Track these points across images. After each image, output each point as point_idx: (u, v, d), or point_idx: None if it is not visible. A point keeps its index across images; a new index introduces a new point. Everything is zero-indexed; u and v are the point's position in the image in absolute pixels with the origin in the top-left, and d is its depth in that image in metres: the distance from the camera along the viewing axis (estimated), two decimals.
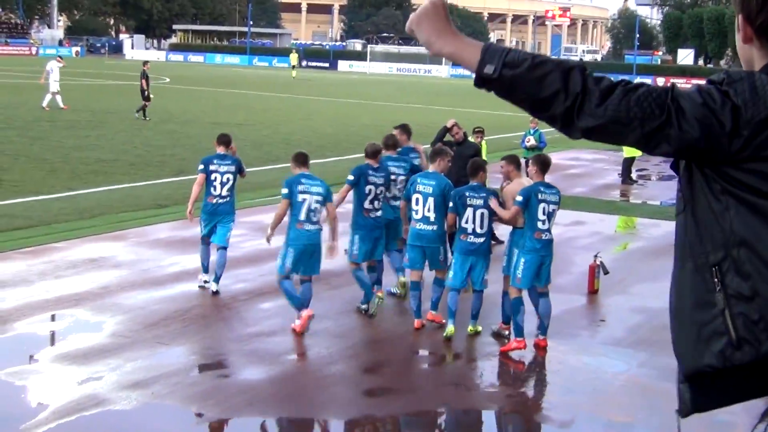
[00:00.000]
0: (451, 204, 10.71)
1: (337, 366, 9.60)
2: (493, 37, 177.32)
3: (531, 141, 22.15)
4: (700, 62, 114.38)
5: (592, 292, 12.81)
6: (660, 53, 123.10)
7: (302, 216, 10.55)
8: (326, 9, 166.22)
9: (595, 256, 13.03)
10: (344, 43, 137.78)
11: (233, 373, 9.28)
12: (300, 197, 10.56)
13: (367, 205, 11.46)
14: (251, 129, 32.35)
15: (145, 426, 7.99)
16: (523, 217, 10.40)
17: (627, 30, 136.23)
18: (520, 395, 9.26)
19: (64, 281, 12.32)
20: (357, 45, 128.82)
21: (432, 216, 10.98)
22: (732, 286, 2.71)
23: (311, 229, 10.64)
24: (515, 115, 43.43)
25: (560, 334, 11.08)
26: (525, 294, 10.43)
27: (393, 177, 11.93)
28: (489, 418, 8.80)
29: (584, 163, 28.81)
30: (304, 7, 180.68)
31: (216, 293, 12.08)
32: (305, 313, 10.43)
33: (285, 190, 10.68)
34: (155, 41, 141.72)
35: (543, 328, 10.51)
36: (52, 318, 10.88)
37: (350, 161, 26.14)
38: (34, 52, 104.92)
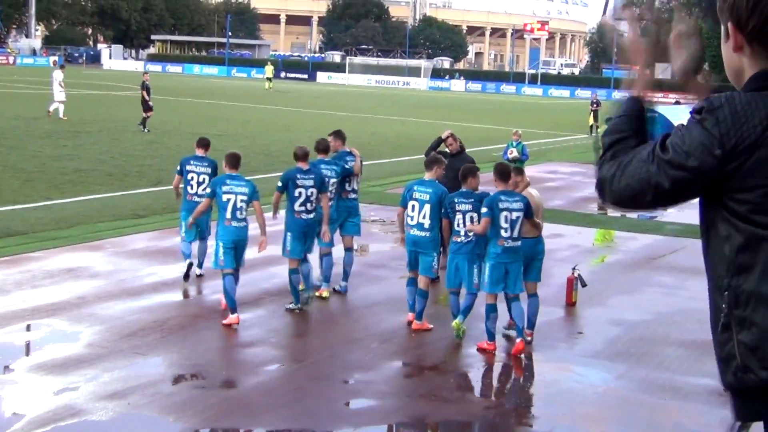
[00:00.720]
0: (443, 210, 11.08)
1: (315, 377, 9.57)
2: (472, 49, 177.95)
3: (514, 153, 22.08)
4: None
5: (570, 304, 12.84)
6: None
7: (228, 214, 11.32)
8: (305, 20, 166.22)
9: (573, 268, 13.06)
10: (323, 55, 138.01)
11: (211, 383, 9.24)
12: (225, 197, 11.30)
13: (297, 207, 11.96)
14: (230, 140, 32.26)
15: None
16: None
17: (605, 43, 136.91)
18: (499, 407, 9.27)
19: (40, 291, 12.25)
20: (336, 57, 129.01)
21: (427, 223, 11.35)
22: (736, 313, 2.74)
23: (237, 226, 11.39)
24: (495, 128, 43.67)
25: (539, 346, 11.10)
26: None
27: (326, 179, 12.38)
28: (466, 430, 8.79)
29: (562, 176, 28.90)
30: (282, 18, 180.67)
31: (201, 276, 13.19)
32: (236, 316, 11.20)
33: (208, 190, 11.81)
34: (133, 51, 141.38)
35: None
36: (29, 328, 10.81)
37: None
38: (11, 62, 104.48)
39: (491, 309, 10.70)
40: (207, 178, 12.78)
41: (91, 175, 22.48)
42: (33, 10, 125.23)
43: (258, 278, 13.82)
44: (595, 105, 46.31)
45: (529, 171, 22.19)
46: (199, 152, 13.16)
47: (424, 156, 13.11)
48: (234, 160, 11.66)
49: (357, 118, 47.82)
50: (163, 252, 15.19)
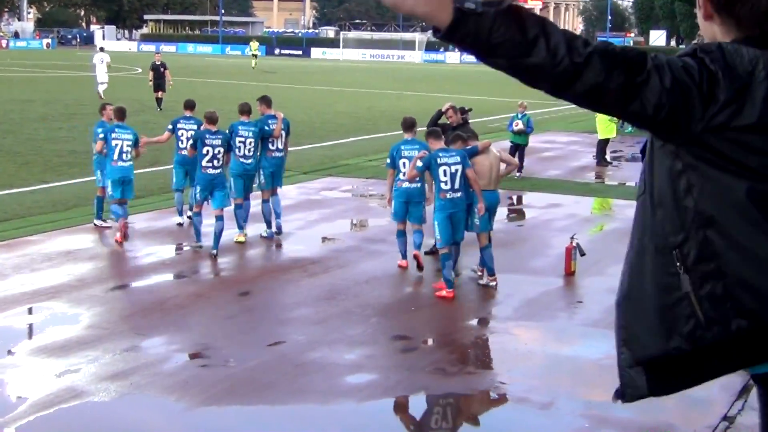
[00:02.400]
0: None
1: (316, 353, 9.58)
2: None
3: (519, 125, 21.70)
4: (672, 43, 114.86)
5: (569, 273, 12.85)
6: (632, 35, 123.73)
7: (116, 156, 14.30)
8: None
9: (571, 237, 13.06)
10: (317, 31, 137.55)
11: (212, 362, 9.25)
12: (113, 142, 14.29)
13: (205, 163, 13.70)
14: (226, 117, 32.11)
15: (124, 417, 7.97)
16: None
17: (599, 12, 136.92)
18: (499, 378, 9.28)
19: (39, 274, 12.25)
20: (330, 32, 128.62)
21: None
22: (697, 268, 2.69)
23: (124, 165, 14.40)
24: (491, 100, 43.53)
25: (538, 316, 11.12)
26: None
27: (242, 138, 14.38)
28: (467, 402, 8.81)
29: (559, 146, 28.86)
30: None
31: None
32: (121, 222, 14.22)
33: (101, 136, 14.66)
34: (126, 32, 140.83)
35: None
36: (29, 311, 10.82)
37: (325, 148, 26.16)
38: (4, 45, 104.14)
39: (446, 258, 11.73)
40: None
41: (87, 157, 22.24)
42: None
43: (256, 255, 13.84)
44: None
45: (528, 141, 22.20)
46: (187, 113, 15.74)
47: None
48: (120, 113, 14.79)
49: (352, 93, 47.73)
50: (161, 232, 15.19)
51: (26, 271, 12.38)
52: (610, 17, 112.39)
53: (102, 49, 42.75)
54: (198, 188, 13.86)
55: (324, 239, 15.07)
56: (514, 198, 19.27)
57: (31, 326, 10.42)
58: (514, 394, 8.82)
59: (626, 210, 18.10)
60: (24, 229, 14.78)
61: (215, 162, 13.72)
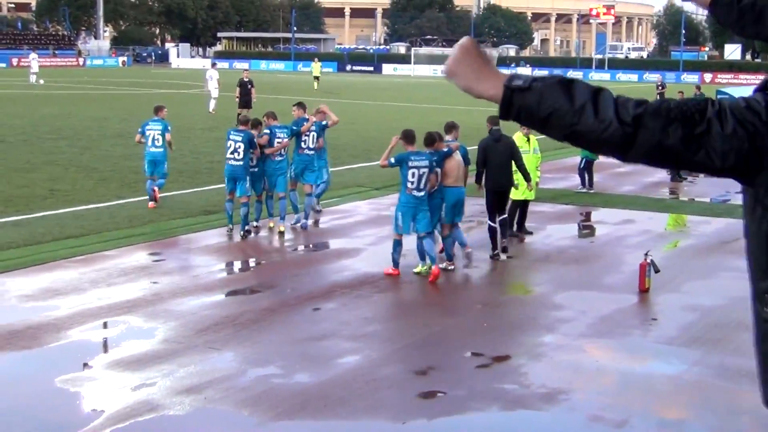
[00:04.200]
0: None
1: (387, 369, 9.59)
2: (537, 36, 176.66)
3: None
4: (748, 57, 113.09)
5: (643, 290, 12.70)
6: (707, 49, 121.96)
7: (149, 142, 18.50)
8: (369, 13, 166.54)
9: (645, 254, 12.92)
10: (388, 47, 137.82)
11: (284, 378, 9.30)
12: (148, 133, 18.50)
13: (228, 155, 16.03)
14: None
15: (198, 431, 8.05)
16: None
17: (673, 26, 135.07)
18: (573, 395, 9.19)
19: (116, 289, 12.44)
20: (401, 48, 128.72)
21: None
22: None
23: (155, 151, 18.49)
24: None
25: (612, 334, 11.00)
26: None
27: (279, 140, 16.52)
28: (541, 418, 8.72)
29: None
30: (347, 11, 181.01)
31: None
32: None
33: (139, 130, 18.87)
34: (200, 49, 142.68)
35: (432, 259, 13.38)
36: (105, 325, 10.99)
37: None
38: (81, 63, 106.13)
39: (397, 244, 13.42)
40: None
41: None
42: (101, 11, 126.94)
43: (328, 271, 13.90)
44: (660, 87, 45.65)
45: (600, 157, 21.98)
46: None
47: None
48: (156, 109, 19.20)
49: (423, 109, 47.73)
50: (234, 247, 15.35)
51: (103, 286, 12.58)
52: (684, 31, 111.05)
53: (214, 65, 44.57)
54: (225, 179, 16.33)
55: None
56: (586, 214, 19.12)
57: (107, 340, 10.57)
58: (587, 411, 8.73)
59: (701, 226, 17.85)
60: (101, 244, 15.02)
61: (235, 155, 15.93)
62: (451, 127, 14.75)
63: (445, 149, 13.79)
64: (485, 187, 14.90)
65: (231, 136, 16.12)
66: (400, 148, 13.72)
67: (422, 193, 13.31)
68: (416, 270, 13.53)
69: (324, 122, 17.71)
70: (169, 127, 19.05)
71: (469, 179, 14.63)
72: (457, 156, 14.03)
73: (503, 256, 14.61)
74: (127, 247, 14.88)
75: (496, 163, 14.66)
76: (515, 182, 15.16)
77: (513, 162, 14.78)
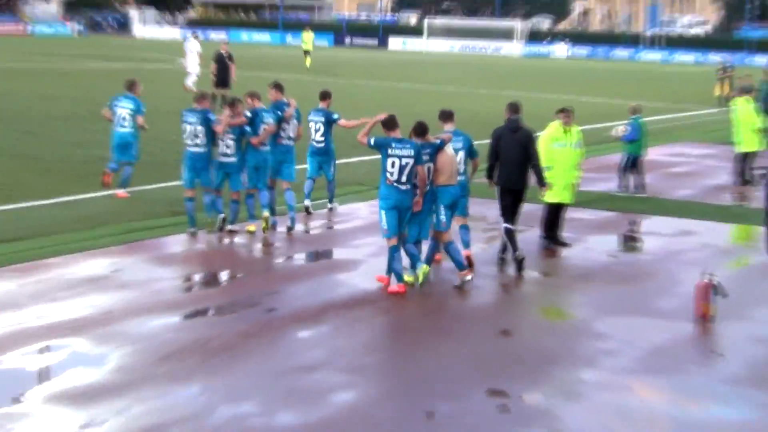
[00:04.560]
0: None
1: (389, 409, 9.50)
2: (578, 7, 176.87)
3: (619, 131, 21.64)
4: None
5: (704, 318, 12.59)
6: None
7: (117, 121, 19.47)
8: None
9: (707, 274, 12.81)
10: (395, 16, 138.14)
11: (263, 417, 9.21)
12: (117, 111, 19.50)
13: (187, 141, 16.65)
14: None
15: None
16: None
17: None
18: None
19: (60, 305, 12.37)
20: (411, 18, 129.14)
21: (461, 168, 14.64)
22: None
23: (123, 131, 19.51)
24: (605, 102, 43.24)
25: (666, 370, 10.90)
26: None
27: (265, 125, 16.98)
28: None
29: (690, 160, 28.53)
30: None
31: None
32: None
33: (108, 104, 19.64)
34: (169, 16, 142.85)
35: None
36: (46, 349, 10.89)
37: None
38: (25, 31, 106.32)
39: (394, 250, 13.42)
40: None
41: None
42: None
43: (320, 286, 13.80)
44: (723, 71, 45.62)
45: (650, 154, 21.97)
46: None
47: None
48: (130, 86, 19.88)
49: (437, 92, 47.73)
50: (206, 256, 15.27)
51: (44, 301, 12.50)
52: (748, 5, 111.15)
53: (196, 36, 44.96)
54: (184, 168, 16.99)
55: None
56: (635, 222, 19.04)
57: (47, 368, 10.47)
58: None
59: None
60: (43, 249, 14.95)
61: (197, 140, 16.61)
62: (447, 116, 14.95)
63: (437, 141, 13.96)
64: (497, 184, 14.83)
65: (185, 118, 16.65)
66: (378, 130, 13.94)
67: (406, 187, 13.48)
68: (408, 278, 13.62)
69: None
70: (143, 108, 19.94)
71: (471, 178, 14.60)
72: (449, 150, 14.15)
73: (513, 271, 14.57)
74: (75, 254, 14.81)
75: (509, 157, 14.63)
76: (547, 180, 15.05)
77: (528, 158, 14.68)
